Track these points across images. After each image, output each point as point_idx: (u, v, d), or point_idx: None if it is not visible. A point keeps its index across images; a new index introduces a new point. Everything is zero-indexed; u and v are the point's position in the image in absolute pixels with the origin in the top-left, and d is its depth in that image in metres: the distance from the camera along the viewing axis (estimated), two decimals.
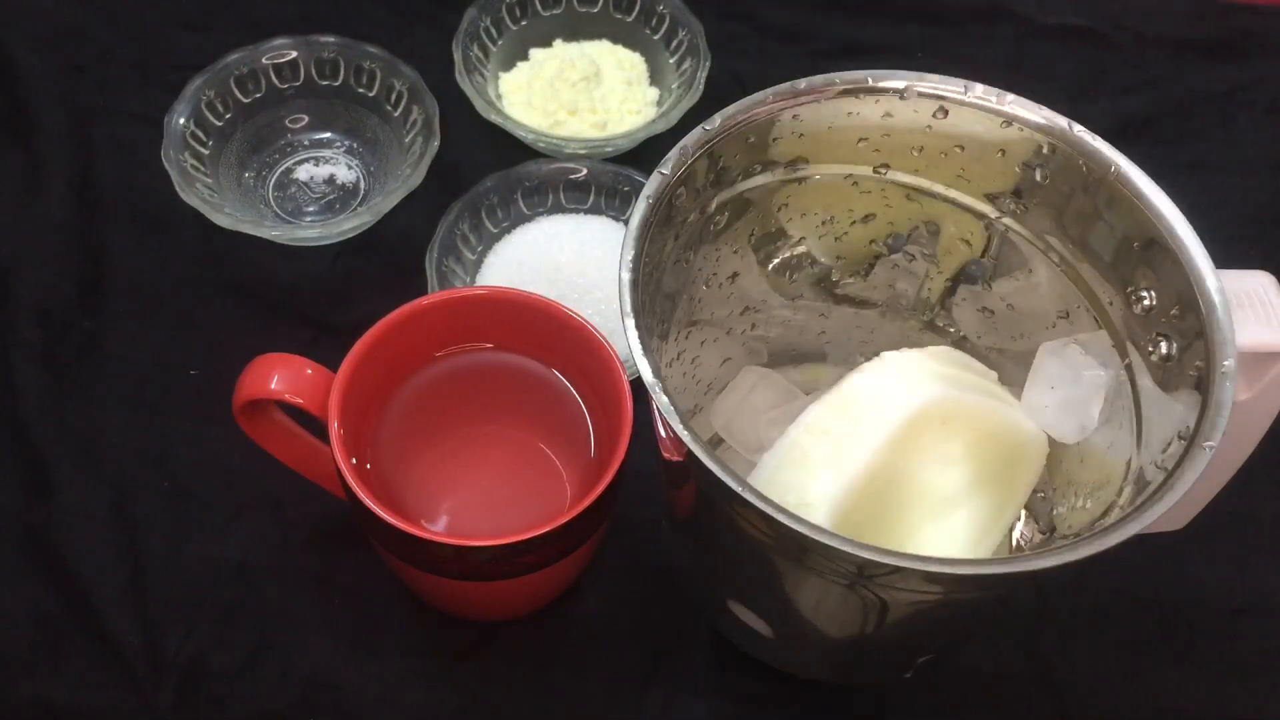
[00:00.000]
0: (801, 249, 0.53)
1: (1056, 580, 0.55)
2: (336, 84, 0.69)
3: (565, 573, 0.52)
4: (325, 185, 0.69)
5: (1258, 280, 0.43)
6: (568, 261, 0.64)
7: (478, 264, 0.65)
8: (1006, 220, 0.49)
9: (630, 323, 0.41)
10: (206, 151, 0.66)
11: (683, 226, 0.47)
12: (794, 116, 0.47)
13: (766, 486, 0.46)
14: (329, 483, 0.53)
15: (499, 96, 0.70)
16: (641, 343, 0.41)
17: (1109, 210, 0.45)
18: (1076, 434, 0.48)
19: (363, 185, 0.69)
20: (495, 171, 0.65)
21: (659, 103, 0.71)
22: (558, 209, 0.67)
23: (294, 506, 0.57)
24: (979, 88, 0.47)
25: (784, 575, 0.44)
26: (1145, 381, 0.45)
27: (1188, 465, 0.39)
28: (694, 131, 0.45)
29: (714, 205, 0.48)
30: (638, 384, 0.42)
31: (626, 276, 0.42)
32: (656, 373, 0.40)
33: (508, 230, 0.66)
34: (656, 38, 0.72)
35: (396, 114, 0.68)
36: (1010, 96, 0.47)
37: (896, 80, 0.47)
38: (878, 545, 0.37)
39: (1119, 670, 0.55)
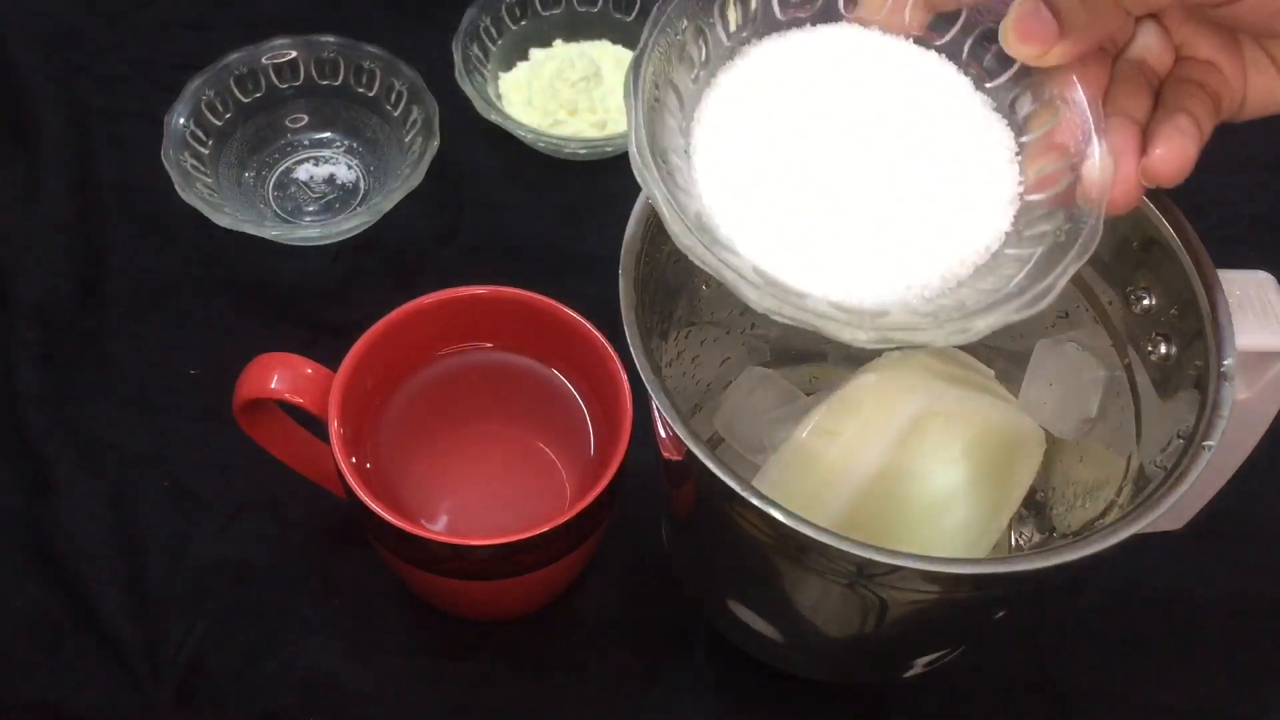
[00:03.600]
0: None
1: (1056, 580, 0.55)
2: (336, 84, 0.69)
3: (565, 572, 0.52)
4: (325, 185, 0.69)
5: (1258, 280, 0.43)
6: (848, 112, 0.38)
7: (696, 102, 0.39)
8: None
9: (630, 322, 0.41)
10: (206, 151, 0.66)
11: None
12: None
13: (774, 489, 0.46)
14: (329, 483, 0.53)
15: (499, 96, 0.70)
16: (642, 342, 0.41)
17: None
18: (1075, 430, 0.48)
19: (363, 185, 0.69)
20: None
21: None
22: (830, 12, 0.40)
23: (294, 506, 0.57)
24: None
25: (784, 575, 0.44)
26: (1145, 381, 0.45)
27: (1187, 465, 0.39)
28: None
29: None
30: (638, 384, 0.42)
31: (626, 276, 0.42)
32: (656, 372, 0.40)
33: (745, 43, 0.40)
34: None
35: (396, 114, 0.68)
36: None
37: None
38: (877, 545, 0.37)
39: (1119, 670, 0.55)
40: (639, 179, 0.36)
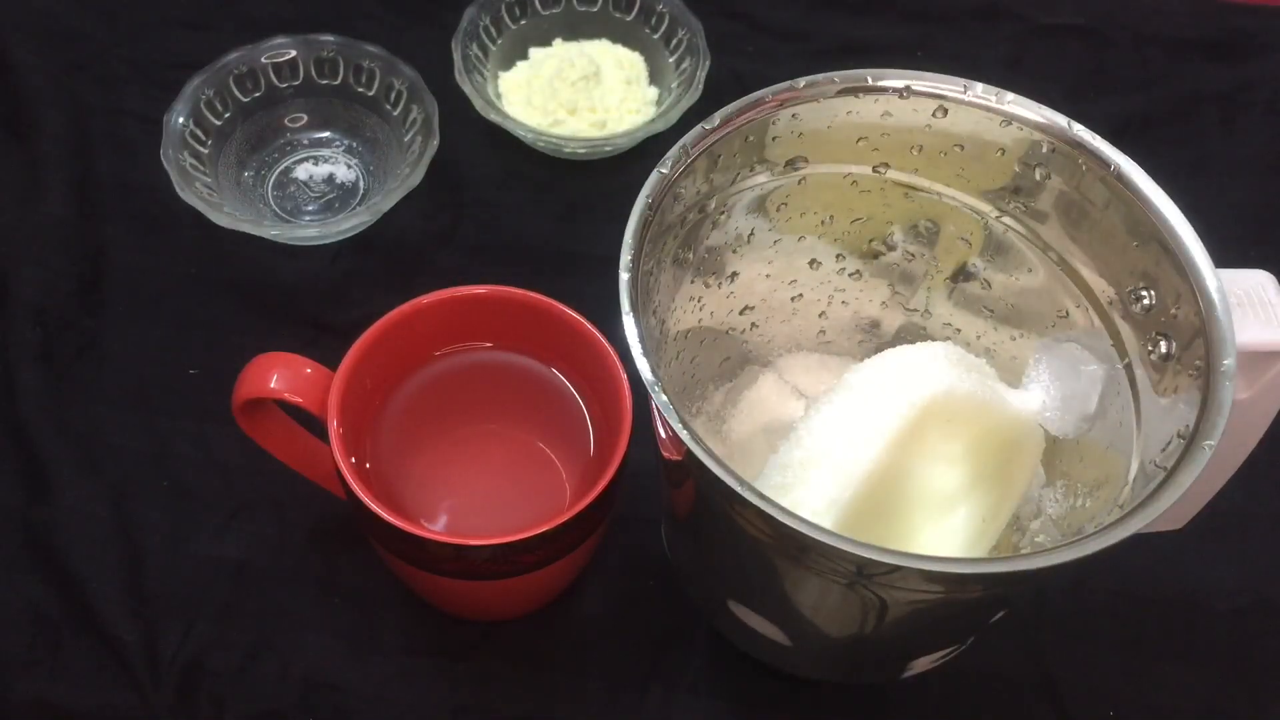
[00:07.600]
0: (801, 248, 0.53)
1: (1056, 580, 0.55)
2: (335, 83, 0.69)
3: (565, 572, 0.52)
4: (324, 184, 0.69)
5: (1258, 280, 0.43)
6: None
7: None
8: (1006, 219, 0.49)
9: (630, 322, 0.41)
10: (206, 151, 0.66)
11: (682, 225, 0.47)
12: (793, 115, 0.47)
13: (776, 490, 0.46)
14: (329, 482, 0.53)
15: (498, 95, 0.70)
16: (641, 342, 0.41)
17: (1108, 210, 0.45)
18: (1075, 429, 0.48)
19: (362, 184, 0.69)
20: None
21: (658, 102, 0.71)
22: None
23: (294, 506, 0.57)
24: (978, 87, 0.47)
25: (784, 575, 0.44)
26: (1145, 380, 0.45)
27: (1187, 464, 0.39)
28: (693, 130, 0.45)
29: (713, 204, 0.48)
30: (638, 384, 0.42)
31: (626, 276, 0.42)
32: (656, 372, 0.40)
33: None
34: (656, 37, 0.72)
35: (396, 113, 0.68)
36: (1010, 96, 0.47)
37: (896, 79, 0.47)
38: (877, 544, 0.37)
39: (1119, 670, 0.55)
40: None
